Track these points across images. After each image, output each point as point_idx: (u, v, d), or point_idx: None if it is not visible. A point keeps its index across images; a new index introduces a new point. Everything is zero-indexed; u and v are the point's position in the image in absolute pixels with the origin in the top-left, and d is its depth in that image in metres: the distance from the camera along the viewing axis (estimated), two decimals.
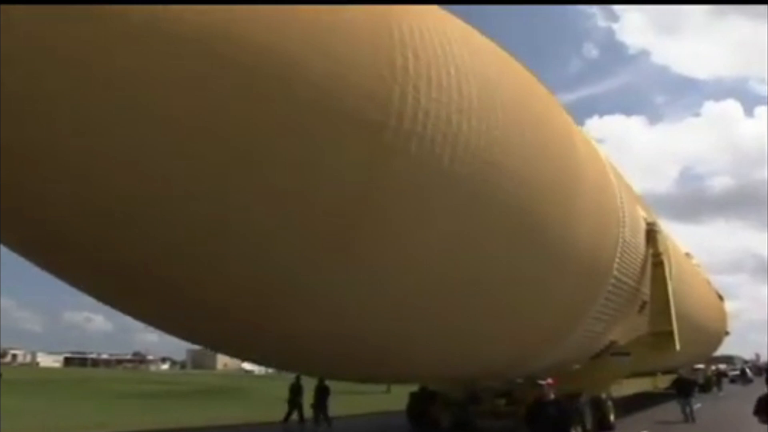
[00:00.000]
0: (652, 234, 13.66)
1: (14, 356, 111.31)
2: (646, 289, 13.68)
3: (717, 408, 22.32)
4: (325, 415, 15.12)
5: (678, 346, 12.97)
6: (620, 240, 11.00)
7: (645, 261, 13.41)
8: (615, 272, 11.03)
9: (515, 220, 7.15)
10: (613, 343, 13.68)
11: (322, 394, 15.14)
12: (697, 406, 19.56)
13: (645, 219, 13.82)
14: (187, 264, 5.22)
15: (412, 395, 14.89)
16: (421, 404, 14.51)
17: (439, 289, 6.55)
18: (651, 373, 23.86)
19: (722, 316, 32.58)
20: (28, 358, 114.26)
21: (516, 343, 8.91)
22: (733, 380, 41.58)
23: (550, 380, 5.78)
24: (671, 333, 13.06)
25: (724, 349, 42.38)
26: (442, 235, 6.33)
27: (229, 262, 5.27)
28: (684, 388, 18.18)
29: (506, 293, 7.53)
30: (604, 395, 13.54)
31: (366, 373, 8.06)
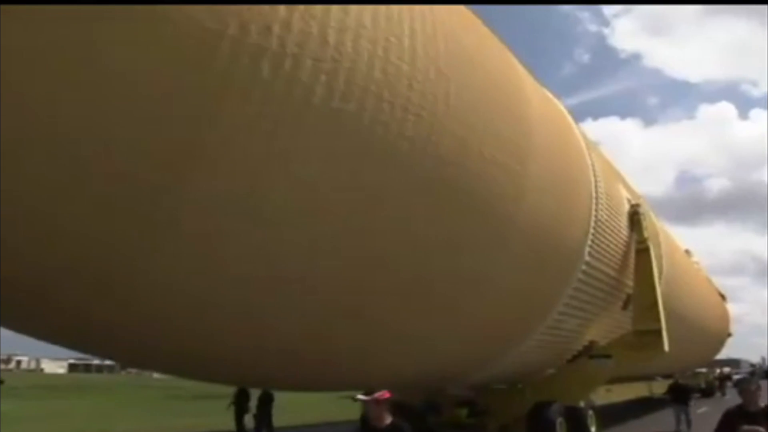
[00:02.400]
0: (636, 217, 11.83)
1: (18, 362, 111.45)
2: (630, 282, 11.86)
3: (720, 414, 20.43)
4: (269, 425, 13.38)
5: (667, 347, 11.10)
6: (593, 219, 9.19)
7: (628, 248, 11.59)
8: (587, 257, 9.21)
9: (428, 178, 5.39)
10: (592, 343, 11.86)
11: (264, 403, 13.41)
12: (702, 410, 17.77)
13: (628, 200, 12.01)
14: None
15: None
16: None
17: (316, 262, 4.81)
18: (647, 378, 22.07)
19: (724, 317, 30.59)
20: (33, 365, 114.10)
21: (451, 339, 7.11)
22: (736, 384, 39.57)
23: (384, 393, 3.93)
24: (659, 332, 11.21)
25: (727, 353, 40.47)
26: (311, 193, 4.59)
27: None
28: (680, 394, 16.27)
29: (420, 275, 5.76)
30: (582, 404, 11.67)
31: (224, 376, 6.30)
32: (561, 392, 10.99)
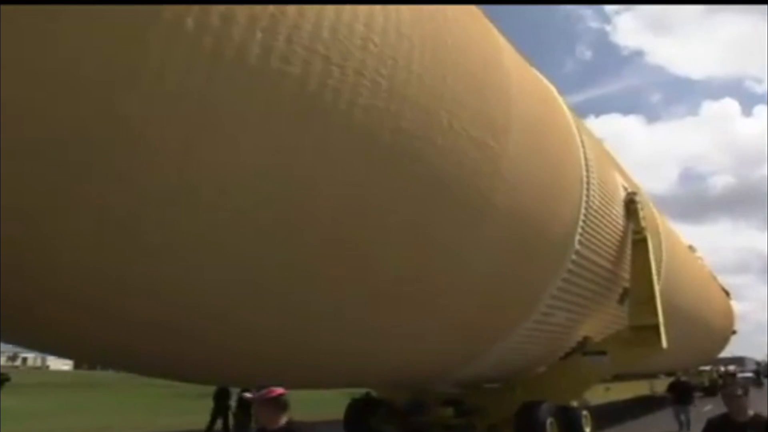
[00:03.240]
0: (632, 205, 11.18)
1: (24, 360, 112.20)
2: (627, 274, 11.23)
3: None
4: (246, 425, 12.83)
5: (665, 343, 10.46)
6: (583, 204, 8.56)
7: (624, 238, 10.95)
8: (577, 246, 8.59)
9: (388, 151, 4.79)
10: (586, 340, 11.23)
11: (244, 402, 12.86)
12: (707, 408, 17.21)
13: (624, 187, 11.36)
14: None
15: (353, 402, 12.54)
16: (361, 413, 12.14)
17: (255, 249, 4.23)
18: (649, 376, 21.42)
19: (728, 313, 29.83)
20: (39, 362, 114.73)
21: (426, 332, 6.51)
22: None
23: (271, 391, 3.26)
24: (657, 327, 10.56)
25: (731, 351, 39.69)
26: (248, 172, 4.02)
27: None
28: (682, 394, 15.63)
29: (384, 262, 5.17)
30: (575, 404, 11.04)
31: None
32: (553, 391, 10.35)
